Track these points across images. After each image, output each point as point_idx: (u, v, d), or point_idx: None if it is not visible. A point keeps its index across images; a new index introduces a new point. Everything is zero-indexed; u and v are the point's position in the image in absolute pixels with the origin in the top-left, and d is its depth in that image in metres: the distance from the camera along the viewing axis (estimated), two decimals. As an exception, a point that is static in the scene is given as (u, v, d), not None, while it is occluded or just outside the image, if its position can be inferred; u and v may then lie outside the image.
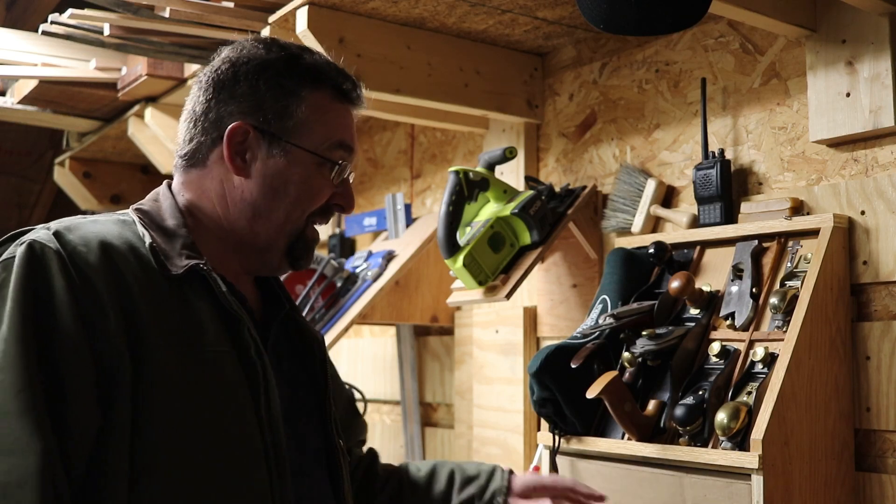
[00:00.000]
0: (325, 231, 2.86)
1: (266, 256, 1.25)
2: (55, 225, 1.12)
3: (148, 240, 1.15)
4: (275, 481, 1.14)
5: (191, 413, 1.09)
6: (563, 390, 1.52)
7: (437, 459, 1.59)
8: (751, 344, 1.46)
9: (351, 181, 1.28)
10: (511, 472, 1.51)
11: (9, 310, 1.03)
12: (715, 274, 1.61)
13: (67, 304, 1.04)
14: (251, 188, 1.22)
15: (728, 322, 1.50)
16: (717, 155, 1.68)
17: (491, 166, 1.87)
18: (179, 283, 1.14)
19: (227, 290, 1.17)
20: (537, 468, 1.78)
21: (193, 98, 1.26)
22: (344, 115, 1.26)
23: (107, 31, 1.98)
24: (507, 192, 1.86)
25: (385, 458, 1.68)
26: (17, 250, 1.07)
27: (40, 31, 2.04)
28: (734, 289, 1.53)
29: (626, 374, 1.52)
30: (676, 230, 1.76)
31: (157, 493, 1.05)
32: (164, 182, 1.28)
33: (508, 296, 1.77)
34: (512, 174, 2.12)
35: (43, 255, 1.06)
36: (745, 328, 1.49)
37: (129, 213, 1.21)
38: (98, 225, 1.14)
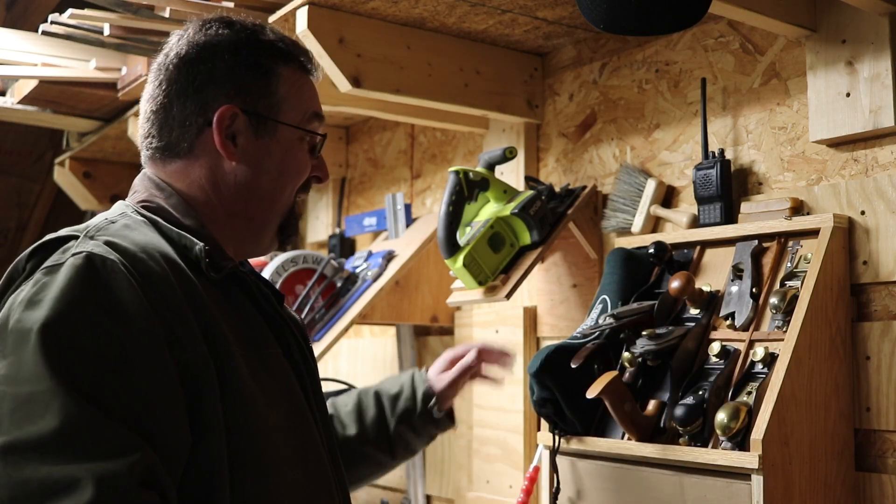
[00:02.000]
0: (325, 231, 2.86)
1: (260, 237, 1.24)
2: (98, 234, 1.05)
3: (199, 244, 1.11)
4: (332, 473, 1.17)
5: (266, 414, 1.08)
6: (563, 390, 1.52)
7: (361, 388, 1.63)
8: (751, 344, 1.46)
9: (322, 155, 1.29)
10: (426, 369, 1.59)
11: (44, 314, 0.94)
12: (715, 274, 1.61)
13: (144, 317, 0.98)
14: (244, 171, 1.19)
15: (728, 322, 1.50)
16: (717, 155, 1.68)
17: (491, 166, 1.87)
18: (221, 286, 1.13)
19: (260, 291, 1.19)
20: (537, 468, 1.78)
21: (159, 88, 1.20)
22: (311, 86, 1.27)
23: (107, 31, 1.98)
24: (507, 192, 1.86)
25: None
26: (70, 261, 0.99)
27: (40, 31, 2.04)
28: (734, 289, 1.53)
29: (626, 374, 1.52)
30: (676, 230, 1.76)
31: (252, 495, 1.04)
32: (144, 175, 1.22)
33: (508, 296, 1.77)
34: (512, 174, 2.12)
35: (105, 267, 0.99)
36: (745, 328, 1.49)
37: (143, 213, 1.15)
38: (136, 232, 1.08)
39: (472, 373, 1.61)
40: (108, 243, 1.02)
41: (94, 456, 0.90)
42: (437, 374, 1.59)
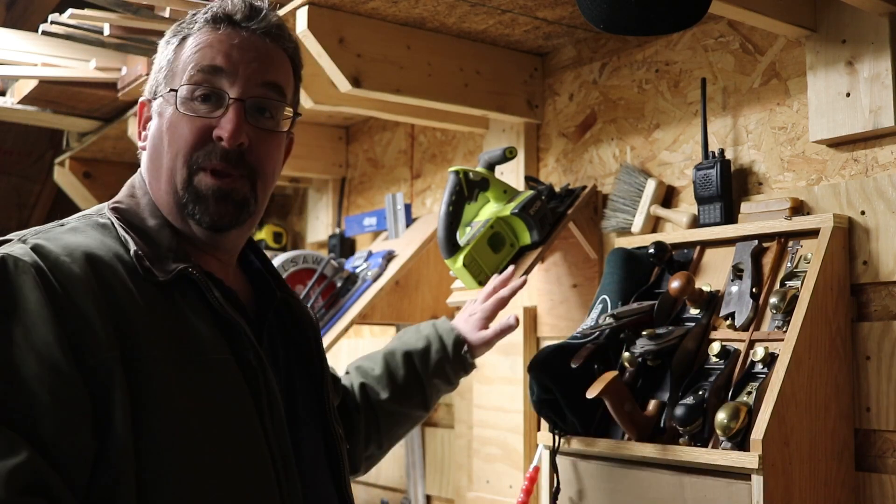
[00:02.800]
0: (325, 231, 2.86)
1: (182, 225, 1.16)
2: (33, 237, 1.05)
3: (133, 247, 1.09)
4: (283, 486, 1.11)
5: (196, 425, 1.04)
6: (563, 390, 1.52)
7: (384, 350, 1.63)
8: (751, 344, 1.46)
9: (232, 109, 1.13)
10: (446, 319, 1.60)
11: None
12: (715, 274, 1.61)
13: (45, 321, 0.97)
14: (147, 154, 1.19)
15: (728, 322, 1.50)
16: (717, 155, 1.68)
17: (491, 166, 1.87)
18: (169, 288, 1.09)
19: (220, 292, 1.12)
20: (537, 468, 1.78)
21: None
22: (213, 40, 1.15)
23: (107, 31, 1.98)
24: (507, 192, 1.86)
25: (386, 458, 1.68)
26: None
27: (40, 31, 2.04)
28: (734, 289, 1.53)
29: (626, 374, 1.52)
30: (676, 230, 1.76)
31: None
32: (137, 173, 1.23)
33: (508, 296, 1.77)
34: (512, 174, 2.12)
35: (16, 269, 0.99)
36: (745, 328, 1.49)
37: (107, 214, 1.15)
38: (78, 234, 1.08)
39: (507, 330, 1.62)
40: (34, 246, 1.02)
41: None
42: (473, 330, 1.60)
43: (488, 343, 1.60)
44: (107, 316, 1.01)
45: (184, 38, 1.17)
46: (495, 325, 1.59)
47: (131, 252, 1.09)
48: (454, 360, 1.56)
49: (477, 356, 1.61)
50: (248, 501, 1.07)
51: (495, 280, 1.64)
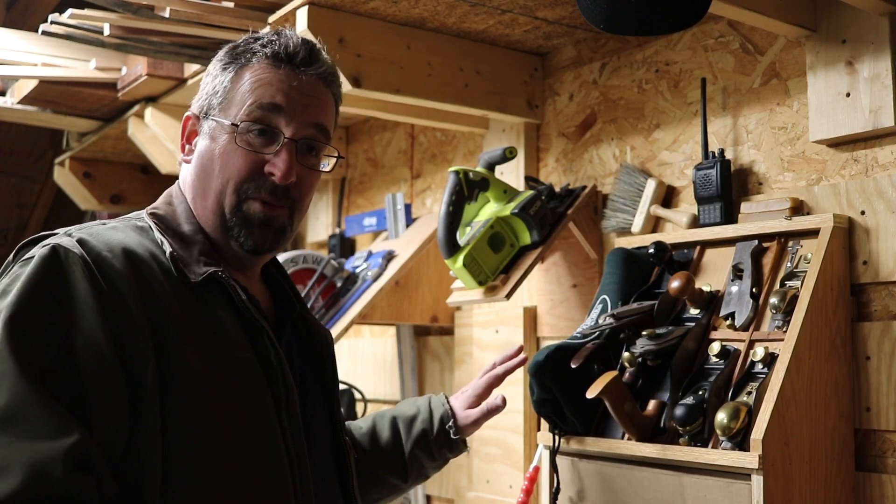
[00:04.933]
0: (325, 231, 2.86)
1: (222, 241, 1.23)
2: (77, 232, 1.12)
3: (168, 248, 1.16)
4: (297, 483, 1.16)
5: (220, 416, 1.10)
6: (563, 390, 1.52)
7: (376, 412, 1.60)
8: (751, 344, 1.46)
9: (286, 148, 1.20)
10: (445, 396, 1.56)
11: (10, 302, 1.02)
12: (715, 274, 1.61)
13: (92, 309, 1.04)
14: (194, 171, 1.24)
15: (728, 322, 1.50)
16: (717, 155, 1.68)
17: (491, 166, 1.87)
18: (200, 289, 1.16)
19: (246, 296, 1.19)
20: (537, 468, 1.78)
21: None
22: (272, 78, 1.21)
23: (107, 31, 1.98)
24: (507, 192, 1.86)
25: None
26: (38, 251, 1.07)
27: (40, 31, 2.04)
28: (734, 289, 1.53)
29: (626, 374, 1.52)
30: (676, 230, 1.76)
31: (188, 494, 1.06)
32: (176, 182, 1.29)
33: (508, 296, 1.77)
34: (512, 174, 2.12)
35: (66, 259, 1.06)
36: (745, 328, 1.49)
37: (145, 218, 1.22)
38: (119, 232, 1.15)
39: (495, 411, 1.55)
40: (79, 240, 1.09)
41: (32, 435, 0.96)
42: (461, 407, 1.54)
43: (476, 423, 1.52)
44: (143, 309, 1.08)
45: (241, 68, 1.23)
46: (483, 406, 1.53)
47: (167, 253, 1.15)
48: (438, 433, 1.51)
49: (466, 434, 1.53)
50: (265, 489, 1.12)
51: (497, 357, 1.59)
